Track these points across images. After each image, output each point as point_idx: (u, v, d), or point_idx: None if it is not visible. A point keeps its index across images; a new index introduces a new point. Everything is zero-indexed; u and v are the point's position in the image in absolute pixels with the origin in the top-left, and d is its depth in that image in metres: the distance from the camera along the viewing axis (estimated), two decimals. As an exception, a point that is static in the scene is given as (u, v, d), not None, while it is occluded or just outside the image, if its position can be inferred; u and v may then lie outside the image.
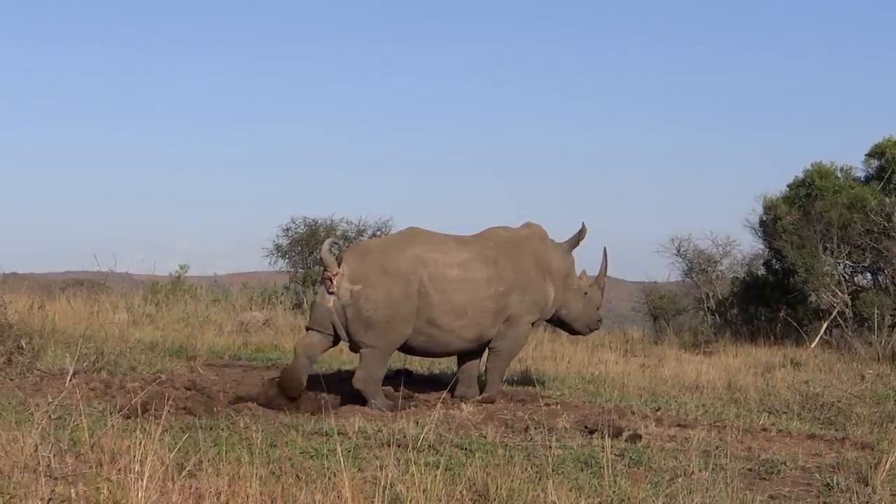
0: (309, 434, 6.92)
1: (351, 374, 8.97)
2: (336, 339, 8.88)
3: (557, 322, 10.15)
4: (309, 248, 20.30)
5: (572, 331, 10.32)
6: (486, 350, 9.52)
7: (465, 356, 9.52)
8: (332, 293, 8.64)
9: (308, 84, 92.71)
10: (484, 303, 9.05)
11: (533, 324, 9.75)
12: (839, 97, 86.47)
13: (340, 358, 11.04)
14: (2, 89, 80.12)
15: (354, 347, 8.87)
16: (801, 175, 19.73)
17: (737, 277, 21.32)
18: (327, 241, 8.96)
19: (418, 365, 11.29)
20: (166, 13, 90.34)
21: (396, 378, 10.01)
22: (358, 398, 8.61)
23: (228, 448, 5.63)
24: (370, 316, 8.60)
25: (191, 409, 7.78)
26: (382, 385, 9.28)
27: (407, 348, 9.21)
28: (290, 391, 8.46)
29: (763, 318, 19.27)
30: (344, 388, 8.80)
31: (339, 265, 8.68)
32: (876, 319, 15.59)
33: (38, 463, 4.92)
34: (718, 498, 5.38)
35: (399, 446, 6.07)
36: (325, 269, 8.74)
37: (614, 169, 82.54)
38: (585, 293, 9.95)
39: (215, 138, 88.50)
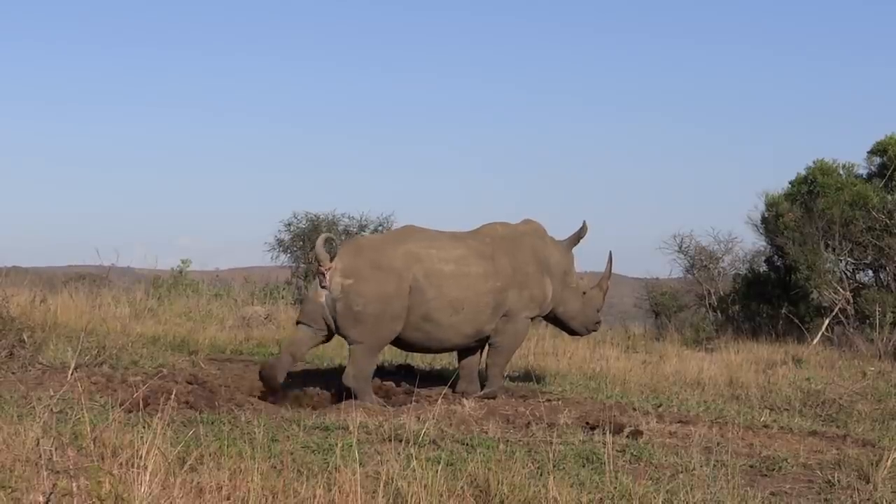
0: (310, 429, 6.92)
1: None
2: (329, 335, 8.89)
3: (554, 320, 10.10)
4: (311, 243, 20.26)
5: (570, 330, 10.23)
6: (487, 346, 9.52)
7: (465, 352, 9.52)
8: (324, 287, 8.66)
9: (310, 81, 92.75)
10: (481, 298, 9.04)
11: (532, 319, 9.75)
12: (841, 94, 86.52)
13: (342, 353, 11.03)
14: (4, 87, 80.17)
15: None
16: (803, 172, 19.69)
17: (738, 274, 21.30)
18: (321, 237, 9.00)
19: (419, 361, 11.29)
20: (167, 11, 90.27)
21: (398, 374, 10.02)
22: (359, 393, 8.61)
23: (230, 442, 5.63)
24: (360, 310, 8.60)
25: (192, 404, 7.81)
26: (384, 382, 9.30)
27: (406, 344, 9.21)
28: (266, 386, 8.64)
29: (765, 314, 19.24)
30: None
31: (332, 260, 8.69)
32: (877, 316, 15.55)
33: (40, 457, 4.91)
34: (719, 494, 5.38)
35: (400, 441, 6.07)
36: (318, 264, 8.76)
37: (617, 166, 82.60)
38: (584, 293, 9.92)
39: (217, 134, 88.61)
